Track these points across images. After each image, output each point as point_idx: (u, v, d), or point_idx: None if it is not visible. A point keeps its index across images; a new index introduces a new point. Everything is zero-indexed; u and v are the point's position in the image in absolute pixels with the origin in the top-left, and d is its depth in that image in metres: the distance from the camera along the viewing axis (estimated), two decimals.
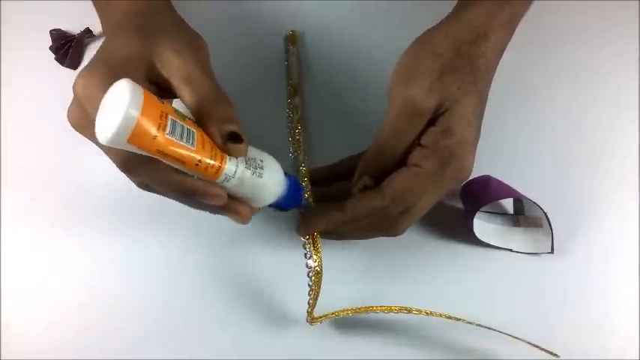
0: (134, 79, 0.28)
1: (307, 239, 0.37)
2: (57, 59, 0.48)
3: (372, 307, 0.39)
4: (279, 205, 0.36)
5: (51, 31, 0.48)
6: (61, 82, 0.47)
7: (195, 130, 0.29)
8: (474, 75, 0.34)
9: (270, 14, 0.52)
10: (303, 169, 0.42)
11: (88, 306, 0.42)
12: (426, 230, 0.44)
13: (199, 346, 0.41)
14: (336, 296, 0.40)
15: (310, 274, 0.36)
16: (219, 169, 0.30)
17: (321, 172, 0.42)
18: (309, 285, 0.37)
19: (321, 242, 0.37)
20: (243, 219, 0.34)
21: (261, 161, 0.34)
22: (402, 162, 0.35)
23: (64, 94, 0.47)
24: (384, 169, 0.36)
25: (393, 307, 0.39)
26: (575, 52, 0.52)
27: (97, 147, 0.30)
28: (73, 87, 0.30)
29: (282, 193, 0.35)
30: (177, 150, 0.28)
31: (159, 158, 0.28)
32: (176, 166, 0.29)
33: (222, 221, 0.42)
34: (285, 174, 0.36)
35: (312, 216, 0.37)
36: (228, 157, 0.31)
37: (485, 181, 0.43)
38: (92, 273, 0.43)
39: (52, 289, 0.42)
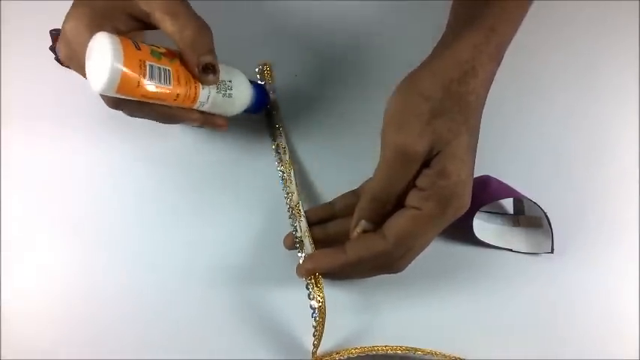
0: (116, 18, 0.34)
1: (309, 280, 0.37)
2: (57, 59, 0.48)
3: (377, 346, 0.39)
4: (249, 112, 0.43)
5: (51, 31, 0.48)
6: (61, 82, 0.48)
7: (170, 67, 0.34)
8: (464, 114, 0.33)
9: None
10: (298, 208, 0.42)
11: (89, 306, 0.42)
12: None
13: None
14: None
15: (314, 314, 0.37)
16: (194, 99, 0.37)
17: (316, 211, 0.42)
18: (313, 326, 0.37)
19: (323, 281, 0.38)
20: (220, 128, 0.42)
21: (230, 82, 0.39)
22: (398, 204, 0.36)
23: (64, 94, 0.48)
24: (380, 214, 0.36)
25: (397, 347, 0.39)
26: (575, 52, 0.52)
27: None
28: (62, 28, 0.35)
29: (250, 103, 0.42)
30: (158, 91, 0.34)
31: (143, 100, 0.34)
32: (158, 103, 0.35)
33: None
34: (252, 82, 0.42)
35: (314, 257, 0.38)
36: (201, 86, 0.37)
37: (484, 181, 0.43)
38: (92, 274, 0.43)
39: (52, 288, 0.42)
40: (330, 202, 0.42)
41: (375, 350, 0.39)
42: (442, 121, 0.33)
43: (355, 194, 0.41)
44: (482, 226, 0.43)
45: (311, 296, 0.37)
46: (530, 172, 0.46)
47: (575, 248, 0.44)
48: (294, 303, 0.41)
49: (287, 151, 0.45)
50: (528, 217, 0.44)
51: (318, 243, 0.40)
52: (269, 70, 0.49)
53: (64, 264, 0.43)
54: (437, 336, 0.41)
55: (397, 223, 0.35)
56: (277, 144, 0.45)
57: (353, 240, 0.37)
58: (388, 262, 0.36)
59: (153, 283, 0.42)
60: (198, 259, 0.43)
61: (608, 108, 0.50)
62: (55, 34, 0.48)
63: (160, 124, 0.40)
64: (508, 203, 0.45)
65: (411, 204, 0.35)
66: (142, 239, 0.44)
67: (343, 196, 0.42)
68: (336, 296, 0.41)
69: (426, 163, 0.34)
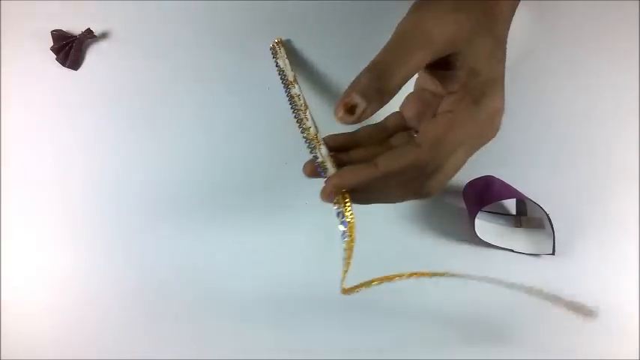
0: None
1: (337, 200, 0.33)
2: (58, 60, 0.48)
3: (389, 276, 0.38)
4: None
5: (52, 32, 0.48)
6: (62, 83, 0.48)
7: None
8: (487, 20, 0.32)
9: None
10: (317, 138, 0.38)
11: (89, 306, 0.42)
12: (427, 230, 0.45)
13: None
14: None
15: (344, 236, 0.34)
16: None
17: (337, 138, 0.38)
18: (343, 249, 0.34)
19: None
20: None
21: None
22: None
23: (64, 94, 0.48)
24: (374, 88, 0.31)
25: (407, 274, 0.38)
26: (576, 53, 0.52)
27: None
28: None
29: None
30: None
31: None
32: None
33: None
34: None
35: (342, 173, 0.33)
36: None
37: (487, 182, 0.43)
38: (93, 273, 0.43)
39: (52, 288, 0.42)
40: (351, 132, 0.38)
41: (387, 279, 0.38)
42: (465, 17, 0.31)
43: (379, 126, 0.37)
44: (485, 226, 0.44)
45: (341, 217, 0.33)
46: (532, 173, 0.46)
47: (575, 248, 0.44)
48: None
49: (301, 98, 0.42)
50: (530, 219, 0.45)
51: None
52: (280, 46, 0.48)
53: (65, 264, 0.43)
54: (438, 334, 0.41)
55: (431, 129, 0.32)
56: (289, 93, 0.43)
57: (385, 153, 0.33)
58: (419, 179, 0.33)
59: (154, 282, 0.42)
60: (200, 258, 0.43)
61: (608, 109, 0.50)
62: (56, 35, 0.48)
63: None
64: (511, 204, 0.46)
65: (444, 109, 0.32)
66: (143, 239, 0.44)
67: (366, 126, 0.37)
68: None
69: (447, 66, 0.32)
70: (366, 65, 0.32)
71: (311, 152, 0.37)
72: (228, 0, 0.49)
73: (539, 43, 0.51)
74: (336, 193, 0.33)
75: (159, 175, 0.46)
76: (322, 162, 0.36)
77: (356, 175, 0.33)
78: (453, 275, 0.39)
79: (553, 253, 0.43)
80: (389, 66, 0.31)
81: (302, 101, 0.43)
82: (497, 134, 0.34)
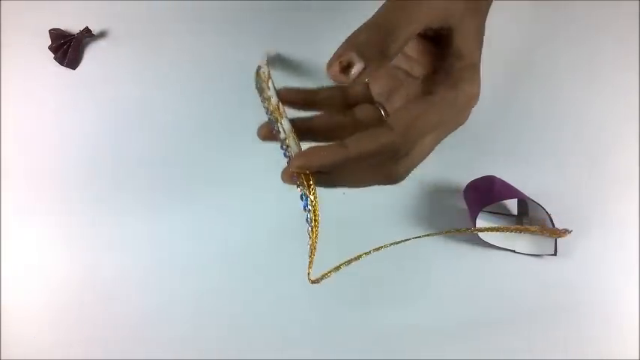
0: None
1: (300, 182, 0.30)
2: (56, 59, 0.47)
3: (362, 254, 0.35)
4: None
5: (50, 31, 0.48)
6: (59, 82, 0.47)
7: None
8: (474, 4, 0.31)
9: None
10: (279, 109, 0.34)
11: (89, 306, 0.42)
12: (427, 230, 0.44)
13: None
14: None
15: (307, 219, 0.31)
16: None
17: (297, 92, 0.35)
18: (307, 232, 0.31)
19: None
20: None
21: None
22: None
23: (63, 93, 0.47)
24: (380, 50, 0.28)
25: (373, 250, 0.36)
26: (576, 53, 0.52)
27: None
28: None
29: None
30: None
31: None
32: None
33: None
34: None
35: (307, 153, 0.30)
36: None
37: (489, 182, 0.43)
38: (92, 274, 0.43)
39: (52, 288, 0.42)
40: (310, 89, 0.36)
41: (355, 259, 0.35)
42: None
43: (341, 89, 0.35)
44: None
45: (303, 198, 0.30)
46: (533, 173, 0.46)
47: (575, 249, 0.44)
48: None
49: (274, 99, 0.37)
50: (532, 219, 0.44)
51: (302, 136, 0.33)
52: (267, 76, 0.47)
53: (64, 263, 0.43)
54: (437, 334, 0.41)
55: (406, 110, 0.30)
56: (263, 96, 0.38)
57: (355, 134, 0.30)
58: (388, 163, 0.31)
59: (154, 283, 0.42)
60: (198, 257, 0.43)
61: (608, 109, 0.50)
62: (54, 34, 0.48)
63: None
64: (512, 204, 0.46)
65: (422, 90, 0.32)
66: (143, 238, 0.44)
67: (327, 87, 0.35)
68: (335, 292, 0.41)
69: (435, 42, 0.31)
70: (364, 22, 0.28)
71: (273, 127, 0.34)
72: (226, 0, 0.49)
73: (540, 44, 0.51)
74: (300, 175, 0.30)
75: (158, 173, 0.45)
76: (285, 139, 0.33)
77: (324, 156, 0.29)
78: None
79: (555, 254, 0.43)
80: (392, 25, 0.28)
81: (265, 69, 0.39)
82: (465, 122, 0.32)
